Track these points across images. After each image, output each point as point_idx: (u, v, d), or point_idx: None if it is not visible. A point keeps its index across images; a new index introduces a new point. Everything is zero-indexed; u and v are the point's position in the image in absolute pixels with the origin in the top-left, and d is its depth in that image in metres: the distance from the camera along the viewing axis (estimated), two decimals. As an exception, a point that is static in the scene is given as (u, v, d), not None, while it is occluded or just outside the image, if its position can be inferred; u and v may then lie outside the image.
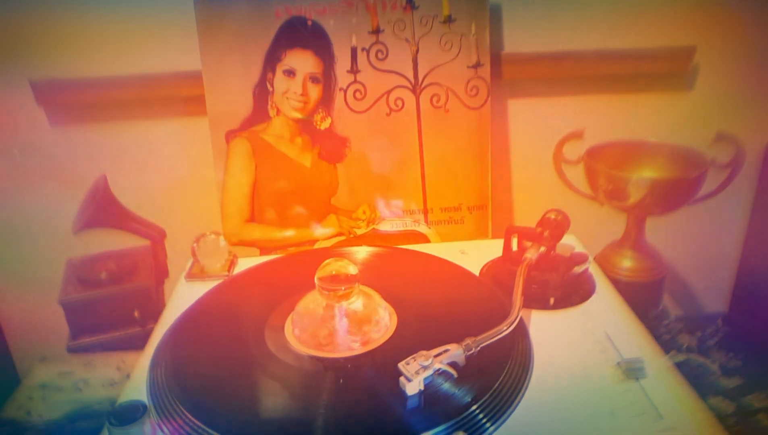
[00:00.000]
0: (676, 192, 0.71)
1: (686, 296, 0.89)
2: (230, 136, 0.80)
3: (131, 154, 0.86)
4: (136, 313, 0.72)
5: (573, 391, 0.46)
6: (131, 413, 0.44)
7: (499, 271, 0.65)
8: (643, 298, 0.58)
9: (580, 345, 0.52)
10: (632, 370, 0.47)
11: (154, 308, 0.70)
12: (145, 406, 0.45)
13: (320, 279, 0.54)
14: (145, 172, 0.85)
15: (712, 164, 0.73)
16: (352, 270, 0.55)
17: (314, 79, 0.79)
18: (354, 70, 0.78)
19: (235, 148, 0.80)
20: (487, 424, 0.43)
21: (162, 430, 0.45)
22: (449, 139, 0.81)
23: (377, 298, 0.57)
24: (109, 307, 0.71)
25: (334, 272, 0.54)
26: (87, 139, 0.85)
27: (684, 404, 0.44)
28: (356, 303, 0.55)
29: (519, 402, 0.45)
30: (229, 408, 0.46)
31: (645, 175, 0.70)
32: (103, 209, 0.71)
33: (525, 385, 0.47)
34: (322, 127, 0.81)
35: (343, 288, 0.54)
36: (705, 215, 0.83)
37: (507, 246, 0.65)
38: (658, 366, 0.49)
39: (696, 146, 0.76)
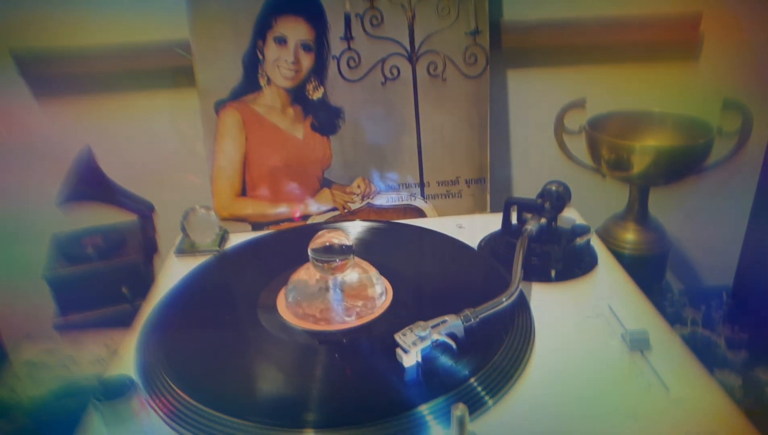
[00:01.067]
0: (682, 161, 0.69)
1: (690, 270, 0.89)
2: (220, 107, 0.78)
3: (118, 127, 0.84)
4: (124, 290, 0.70)
5: (576, 364, 0.45)
6: (118, 388, 0.43)
7: (498, 244, 0.64)
8: (646, 272, 0.57)
9: (582, 317, 0.51)
10: (637, 342, 0.46)
11: (143, 285, 0.68)
12: (132, 381, 0.44)
13: (313, 250, 0.53)
14: (133, 145, 0.84)
15: (718, 132, 0.71)
16: (347, 241, 0.53)
17: (306, 47, 0.77)
18: (347, 37, 0.77)
19: (225, 119, 0.79)
20: (486, 398, 0.42)
21: (151, 407, 0.44)
22: (447, 110, 0.79)
23: (372, 271, 0.56)
24: (97, 284, 0.70)
25: (327, 243, 0.53)
26: (72, 112, 0.83)
27: (690, 376, 0.43)
28: (351, 276, 0.54)
29: (520, 376, 0.44)
30: (220, 384, 0.45)
31: (649, 143, 0.69)
32: (88, 181, 0.70)
33: (526, 358, 0.46)
34: (315, 98, 0.79)
35: (337, 260, 0.52)
36: (710, 187, 0.82)
37: (506, 218, 0.64)
38: (663, 338, 0.48)
39: (702, 116, 0.75)
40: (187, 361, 0.48)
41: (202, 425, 0.41)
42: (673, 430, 0.38)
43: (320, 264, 0.52)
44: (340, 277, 0.54)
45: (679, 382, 0.42)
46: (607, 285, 0.56)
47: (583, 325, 0.50)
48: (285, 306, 0.54)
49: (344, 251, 0.53)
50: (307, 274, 0.55)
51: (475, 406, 0.41)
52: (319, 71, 0.78)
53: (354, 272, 0.55)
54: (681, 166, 0.71)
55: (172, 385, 0.45)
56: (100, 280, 0.70)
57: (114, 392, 0.43)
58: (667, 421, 0.39)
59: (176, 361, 0.47)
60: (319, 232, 0.54)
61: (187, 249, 0.68)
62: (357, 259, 0.56)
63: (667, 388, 0.42)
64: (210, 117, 0.79)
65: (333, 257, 0.52)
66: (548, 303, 0.53)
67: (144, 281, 0.71)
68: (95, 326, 0.66)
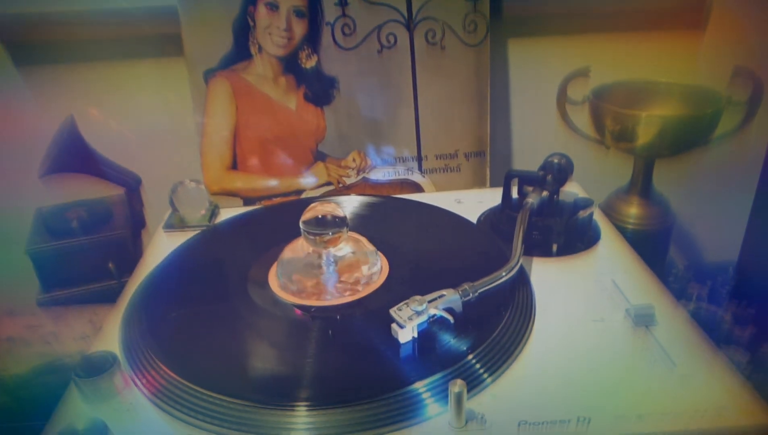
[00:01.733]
0: (689, 131, 0.68)
1: (695, 245, 0.87)
2: (209, 76, 0.76)
3: (103, 97, 0.81)
4: (110, 265, 0.69)
5: (578, 340, 0.44)
6: (100, 364, 0.42)
7: (497, 219, 0.63)
8: (650, 247, 0.56)
9: (585, 292, 0.50)
10: (642, 317, 0.45)
11: (130, 260, 0.67)
12: (115, 357, 0.43)
13: (305, 223, 0.51)
14: (119, 117, 0.81)
15: (728, 102, 0.70)
16: (340, 213, 0.52)
17: (299, 13, 0.75)
18: (342, 2, 0.74)
19: (215, 89, 0.76)
20: (485, 376, 0.41)
21: (135, 384, 0.43)
22: (445, 80, 0.77)
23: (367, 244, 0.54)
24: (82, 259, 0.68)
25: (320, 216, 0.51)
26: (55, 81, 0.80)
27: (698, 352, 0.42)
28: (345, 249, 0.53)
29: (520, 352, 0.43)
30: (207, 361, 0.44)
31: (656, 112, 0.67)
32: (71, 151, 0.68)
33: (526, 335, 0.45)
34: (308, 66, 0.77)
35: (330, 233, 0.51)
36: (717, 159, 0.80)
37: (506, 192, 0.62)
38: (669, 313, 0.46)
39: (711, 86, 0.73)
40: (173, 337, 0.46)
41: (189, 403, 0.40)
42: (680, 406, 0.37)
43: (312, 237, 0.51)
44: (333, 250, 0.52)
45: (686, 358, 0.41)
46: (611, 260, 0.55)
47: (586, 300, 0.49)
48: (276, 281, 0.52)
49: (337, 224, 0.51)
50: (299, 248, 0.53)
51: (474, 383, 0.40)
52: (312, 39, 0.75)
53: (348, 246, 0.53)
54: (688, 136, 0.69)
55: (157, 362, 0.43)
56: (85, 255, 0.69)
57: (95, 369, 0.41)
58: (674, 397, 0.38)
59: (161, 337, 0.46)
60: (311, 205, 0.53)
61: (176, 224, 0.67)
62: (351, 233, 0.55)
63: (673, 364, 0.41)
64: (199, 87, 0.76)
65: (326, 230, 0.51)
66: (550, 278, 0.52)
67: (131, 257, 0.70)
68: (80, 303, 0.65)
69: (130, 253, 0.71)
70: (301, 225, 0.51)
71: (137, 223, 0.75)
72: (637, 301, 0.47)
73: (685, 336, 0.44)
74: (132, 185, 0.74)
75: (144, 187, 0.78)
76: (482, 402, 0.39)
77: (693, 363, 0.41)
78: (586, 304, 0.48)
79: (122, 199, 0.75)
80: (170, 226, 0.67)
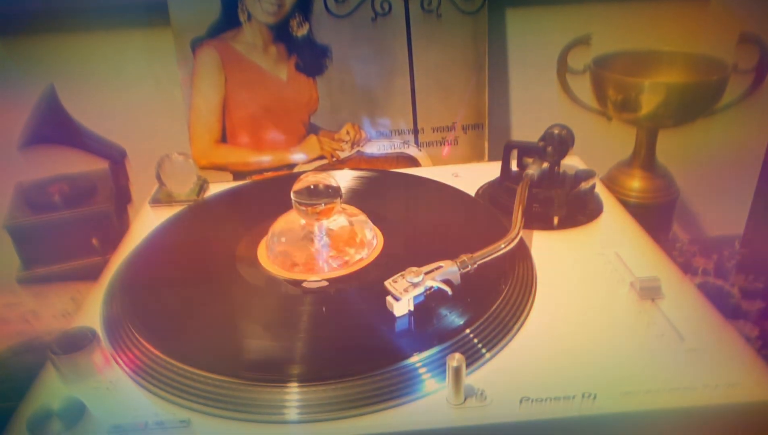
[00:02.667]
0: (694, 99, 0.66)
1: (699, 218, 0.86)
2: (197, 45, 0.73)
3: (87, 68, 0.79)
4: (94, 241, 0.67)
5: (581, 314, 0.43)
6: (78, 341, 0.40)
7: (496, 192, 0.61)
8: (652, 221, 0.54)
9: (587, 266, 0.48)
10: (647, 290, 0.44)
11: (115, 236, 0.65)
12: (94, 333, 0.41)
13: (297, 193, 0.49)
14: (103, 88, 0.79)
15: (733, 69, 0.68)
16: (333, 183, 0.50)
17: (289, -22, 0.72)
18: (334, -33, 0.71)
19: (203, 59, 0.74)
20: (483, 350, 0.39)
21: (117, 362, 0.41)
22: (442, 49, 0.75)
23: (361, 216, 0.53)
24: (63, 234, 0.66)
25: (312, 186, 0.49)
26: (36, 51, 0.77)
27: (707, 325, 0.41)
28: (338, 221, 0.51)
29: (521, 326, 0.42)
30: (192, 337, 0.42)
31: (660, 80, 0.65)
32: (51, 121, 0.65)
33: (527, 308, 0.43)
34: (299, 35, 0.74)
35: (323, 203, 0.49)
36: (722, 129, 0.78)
37: (506, 163, 0.61)
38: (675, 285, 0.45)
39: (716, 54, 0.70)
40: (157, 313, 0.45)
41: (172, 380, 0.38)
42: (689, 381, 0.36)
43: (303, 208, 0.49)
44: (326, 222, 0.50)
45: (694, 331, 0.40)
46: (614, 232, 0.54)
47: (589, 273, 0.47)
48: (266, 255, 0.51)
49: (330, 194, 0.49)
50: (290, 220, 0.51)
51: (472, 358, 0.38)
52: (303, 5, 0.73)
53: (341, 218, 0.51)
54: (693, 105, 0.67)
55: (138, 338, 0.42)
56: (67, 230, 0.66)
57: (73, 345, 0.39)
58: (682, 372, 0.36)
59: (144, 312, 0.44)
60: (303, 175, 0.51)
61: (163, 199, 0.66)
62: (345, 205, 0.53)
63: (682, 338, 0.39)
64: (186, 56, 0.74)
65: (318, 200, 0.49)
66: (551, 251, 0.51)
67: (116, 232, 0.67)
68: (62, 280, 0.63)
69: (115, 228, 0.69)
70: (292, 195, 0.49)
71: (122, 198, 0.72)
72: (642, 274, 0.46)
73: (693, 309, 0.42)
74: (116, 158, 0.71)
75: (130, 160, 0.76)
76: (482, 377, 0.37)
77: (702, 337, 0.39)
78: (589, 278, 0.47)
79: (106, 173, 0.72)
80: (157, 201, 0.66)
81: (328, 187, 0.49)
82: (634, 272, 0.47)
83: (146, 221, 0.60)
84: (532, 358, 0.39)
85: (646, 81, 0.64)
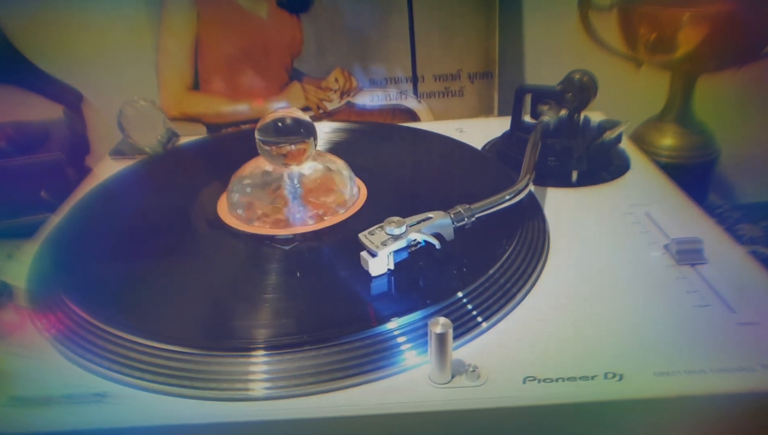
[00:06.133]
0: (744, 36, 0.59)
1: (742, 181, 0.78)
2: (165, -24, 0.68)
3: (42, 6, 0.72)
4: (43, 194, 0.61)
5: (602, 280, 0.37)
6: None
7: (506, 146, 0.56)
8: (687, 184, 0.49)
9: (611, 226, 0.43)
10: (687, 253, 0.38)
11: (68, 190, 0.59)
12: (5, 286, 0.36)
13: (261, 130, 0.43)
14: (59, 24, 0.72)
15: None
16: (306, 119, 0.43)
17: None
18: None
19: (171, -8, 0.68)
20: (479, 319, 0.33)
21: (33, 324, 0.36)
22: (446, -17, 0.70)
23: (340, 162, 0.46)
24: (8, 186, 0.60)
25: (279, 123, 0.43)
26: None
27: (761, 295, 0.34)
28: (312, 167, 0.45)
29: (527, 293, 0.36)
30: (133, 301, 0.37)
31: (703, 10, 0.58)
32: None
33: (536, 272, 0.38)
34: (282, -35, 0.69)
35: (292, 146, 0.42)
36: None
37: (517, 111, 0.55)
38: (720, 249, 0.38)
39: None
40: (90, 272, 0.40)
41: (95, 346, 0.33)
42: (743, 361, 0.29)
43: (268, 147, 0.42)
44: (296, 169, 0.44)
45: (746, 303, 0.33)
46: (644, 191, 0.48)
47: (613, 235, 0.42)
48: (227, 208, 0.45)
49: (302, 133, 0.43)
50: (258, 166, 0.45)
51: (464, 328, 0.32)
52: (286, -70, 0.67)
53: (316, 164, 0.45)
54: (741, 44, 0.60)
55: (65, 299, 0.37)
56: (13, 182, 0.61)
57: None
58: (734, 350, 0.30)
59: (74, 271, 0.40)
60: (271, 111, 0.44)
61: (126, 150, 0.63)
62: (322, 152, 0.47)
63: (732, 310, 0.33)
64: (154, -9, 0.69)
65: (286, 138, 0.42)
66: (568, 211, 0.45)
67: (70, 187, 0.62)
68: (6, 237, 0.57)
69: (70, 182, 0.63)
70: (256, 133, 0.43)
71: (79, 148, 0.67)
72: (678, 236, 0.39)
73: (744, 277, 0.36)
74: (72, 103, 0.66)
75: (90, 106, 0.71)
76: (476, 351, 0.31)
77: (756, 309, 0.33)
78: (613, 240, 0.41)
79: (62, 122, 0.66)
80: (119, 153, 0.62)
81: (299, 124, 0.43)
82: (669, 234, 0.41)
83: (104, 175, 0.56)
84: (540, 329, 0.33)
85: (687, 12, 0.57)
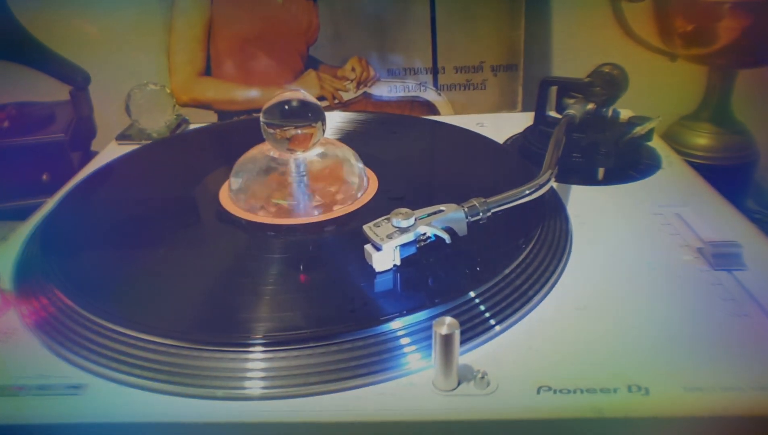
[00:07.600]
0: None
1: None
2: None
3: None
4: (44, 177, 0.61)
5: (628, 284, 0.35)
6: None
7: (529, 141, 0.54)
8: (724, 188, 0.47)
9: (639, 227, 0.41)
10: (723, 258, 0.36)
11: (70, 174, 0.58)
12: None
13: (267, 113, 0.41)
14: (72, 7, 0.73)
15: None
16: (314, 102, 0.42)
17: None
18: None
19: (184, -26, 0.70)
20: (492, 321, 0.31)
21: (17, 310, 0.35)
22: (470, -30, 0.68)
23: (349, 151, 0.45)
24: (10, 168, 0.60)
25: (286, 106, 0.41)
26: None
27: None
28: (319, 154, 0.44)
29: (546, 296, 0.34)
30: (124, 290, 0.35)
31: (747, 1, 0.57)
32: (4, 34, 0.60)
33: (555, 273, 0.36)
34: (299, -54, 0.69)
35: (299, 130, 0.41)
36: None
37: (541, 104, 0.54)
38: (762, 254, 0.36)
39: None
40: (83, 259, 0.39)
41: (76, 334, 0.32)
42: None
43: (273, 131, 0.40)
44: (302, 155, 0.42)
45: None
46: (676, 191, 0.46)
47: (640, 236, 0.40)
48: (229, 196, 0.44)
49: (309, 117, 0.41)
50: (263, 151, 0.45)
51: (474, 331, 0.30)
52: None
53: (323, 150, 0.43)
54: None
55: (47, 285, 0.36)
56: (14, 162, 0.60)
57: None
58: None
59: (63, 257, 0.38)
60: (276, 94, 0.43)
61: (133, 135, 0.62)
62: (330, 139, 0.46)
63: (774, 321, 0.30)
64: (167, -28, 0.70)
65: (292, 122, 0.40)
66: (592, 210, 0.44)
67: (73, 170, 0.61)
68: (5, 218, 0.56)
69: (74, 165, 0.63)
70: (261, 117, 0.41)
71: (84, 130, 0.67)
72: (713, 239, 0.37)
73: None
74: (79, 83, 0.65)
75: (98, 89, 0.70)
76: (486, 356, 0.29)
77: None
78: (641, 242, 0.39)
79: (69, 105, 0.66)
80: (125, 137, 0.62)
81: (307, 107, 0.41)
82: (703, 237, 0.38)
83: (108, 160, 0.55)
84: (557, 335, 0.31)
85: (727, 2, 0.55)
